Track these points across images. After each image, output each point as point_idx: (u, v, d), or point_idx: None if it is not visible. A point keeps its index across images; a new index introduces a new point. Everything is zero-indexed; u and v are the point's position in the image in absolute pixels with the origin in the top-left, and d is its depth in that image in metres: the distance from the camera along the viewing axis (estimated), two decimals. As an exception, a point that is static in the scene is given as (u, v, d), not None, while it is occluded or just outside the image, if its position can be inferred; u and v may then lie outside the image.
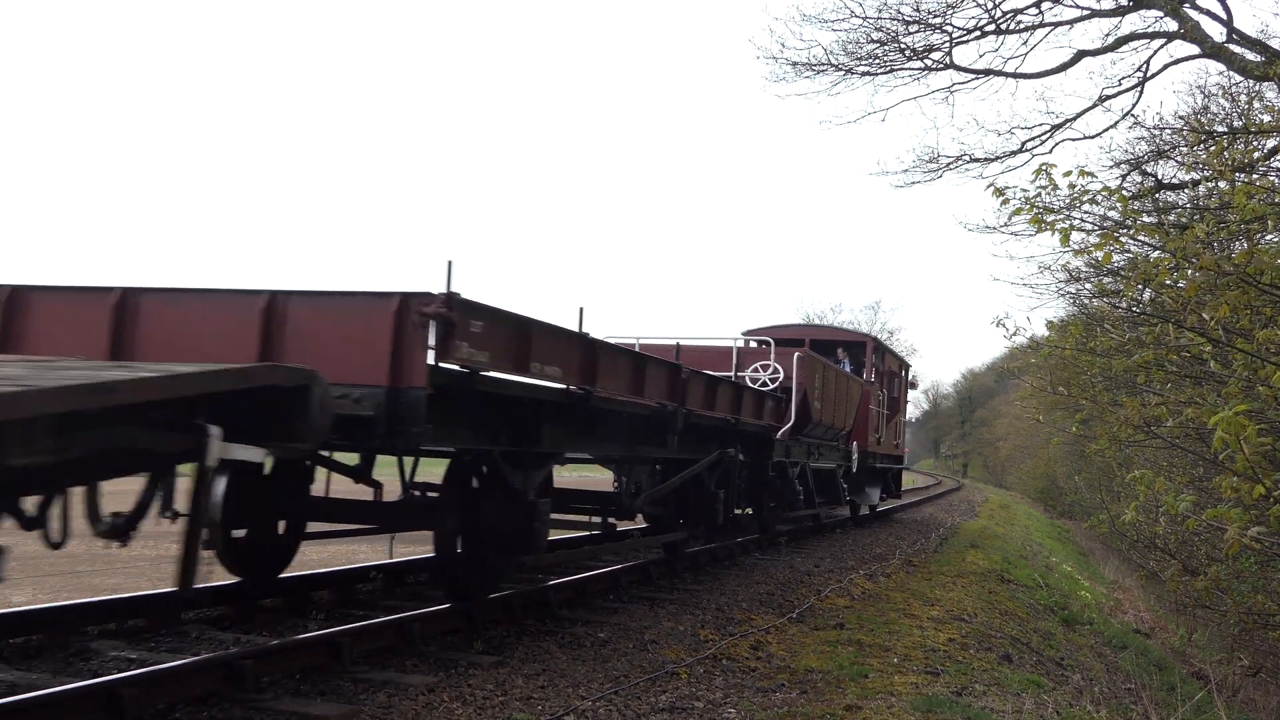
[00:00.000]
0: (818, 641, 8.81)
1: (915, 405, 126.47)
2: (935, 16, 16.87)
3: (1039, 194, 7.71)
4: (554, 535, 10.83)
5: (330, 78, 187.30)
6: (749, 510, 14.28)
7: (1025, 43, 17.21)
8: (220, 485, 5.00)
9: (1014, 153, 17.40)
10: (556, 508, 9.66)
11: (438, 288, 6.29)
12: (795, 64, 17.73)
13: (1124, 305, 11.03)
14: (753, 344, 15.34)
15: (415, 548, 12.68)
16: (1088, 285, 16.04)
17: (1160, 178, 16.20)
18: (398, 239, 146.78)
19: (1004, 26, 16.89)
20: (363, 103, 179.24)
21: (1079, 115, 17.13)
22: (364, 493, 8.78)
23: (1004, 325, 9.30)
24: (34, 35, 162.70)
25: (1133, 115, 16.59)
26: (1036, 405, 24.04)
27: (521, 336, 7.13)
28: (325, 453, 8.06)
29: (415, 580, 10.89)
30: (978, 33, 16.99)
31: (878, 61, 17.41)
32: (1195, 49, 15.50)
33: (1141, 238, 8.77)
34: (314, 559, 12.45)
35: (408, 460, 8.67)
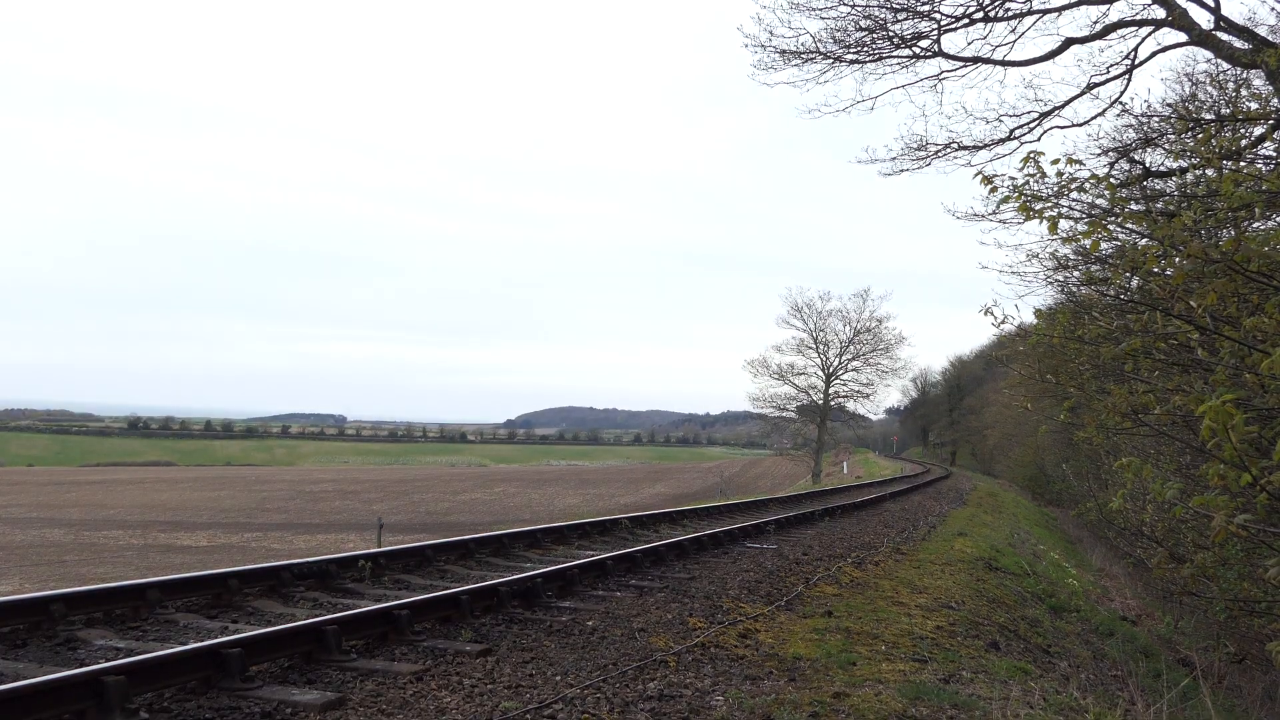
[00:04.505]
0: (806, 629, 8.81)
1: (903, 394, 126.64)
2: (923, 4, 16.83)
3: (1027, 182, 7.69)
4: (544, 525, 10.52)
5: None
6: None
7: (1014, 30, 17.19)
8: None
9: (1002, 140, 17.39)
10: None
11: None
12: (783, 52, 17.67)
13: (1112, 293, 11.03)
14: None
15: (404, 537, 12.69)
16: (1075, 273, 16.05)
17: (1148, 165, 16.22)
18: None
19: (992, 14, 16.86)
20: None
21: (1067, 103, 17.12)
22: None
23: (992, 313, 9.29)
24: None
25: (1121, 103, 16.59)
26: (1024, 393, 24.08)
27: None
28: None
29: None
30: (966, 20, 16.96)
31: (866, 49, 17.36)
32: (1183, 36, 15.51)
33: (1129, 225, 8.75)
34: (302, 548, 12.43)
35: None
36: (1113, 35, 16.60)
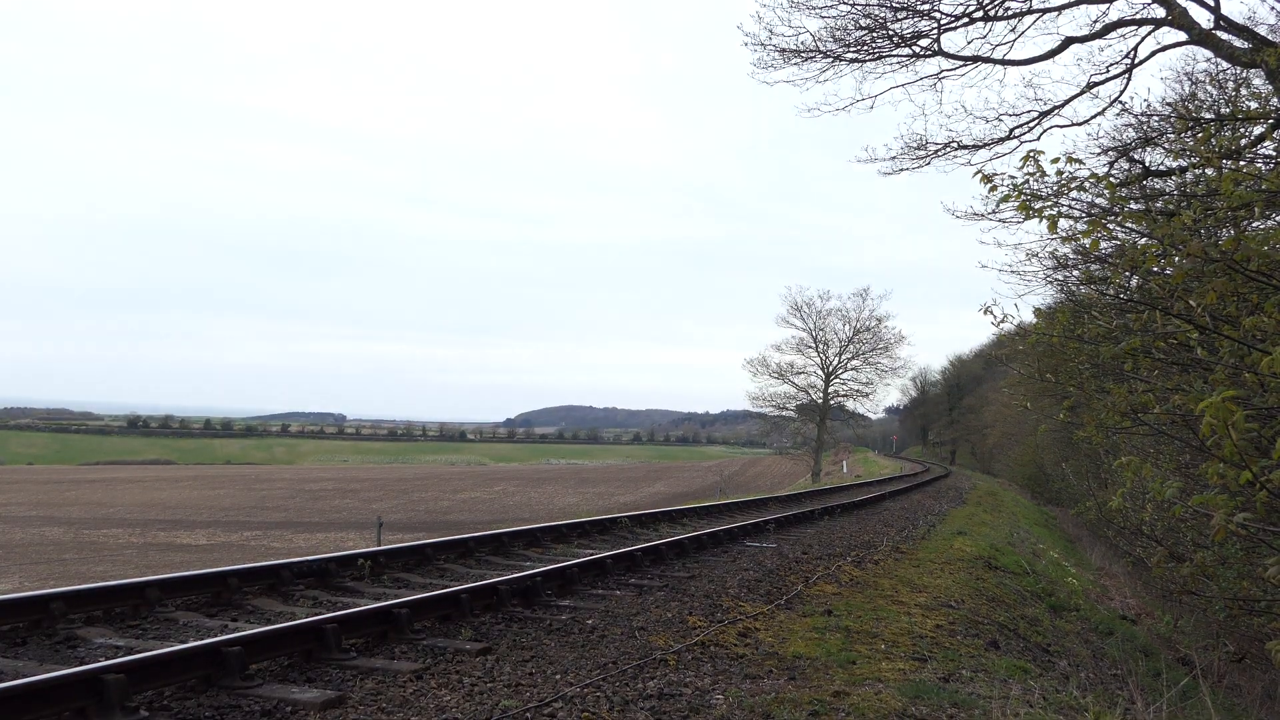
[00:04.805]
0: (806, 628, 8.81)
1: (902, 393, 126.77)
2: (923, 3, 16.83)
3: (1027, 181, 7.69)
4: (543, 524, 10.58)
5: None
6: None
7: (1013, 29, 17.18)
8: None
9: (1002, 140, 17.40)
10: None
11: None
12: (783, 50, 17.67)
13: (1111, 292, 11.03)
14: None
15: (403, 536, 12.70)
16: (1075, 272, 16.08)
17: (1148, 165, 16.23)
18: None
19: (992, 13, 16.86)
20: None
21: (1067, 102, 17.13)
22: None
23: (991, 312, 9.29)
24: None
25: (1120, 102, 16.60)
26: (1024, 392, 24.08)
27: None
28: None
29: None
30: (966, 19, 16.96)
31: (866, 48, 17.36)
32: (1183, 35, 15.51)
33: (1129, 224, 8.76)
34: (302, 546, 12.43)
35: None
36: (1112, 34, 16.61)
